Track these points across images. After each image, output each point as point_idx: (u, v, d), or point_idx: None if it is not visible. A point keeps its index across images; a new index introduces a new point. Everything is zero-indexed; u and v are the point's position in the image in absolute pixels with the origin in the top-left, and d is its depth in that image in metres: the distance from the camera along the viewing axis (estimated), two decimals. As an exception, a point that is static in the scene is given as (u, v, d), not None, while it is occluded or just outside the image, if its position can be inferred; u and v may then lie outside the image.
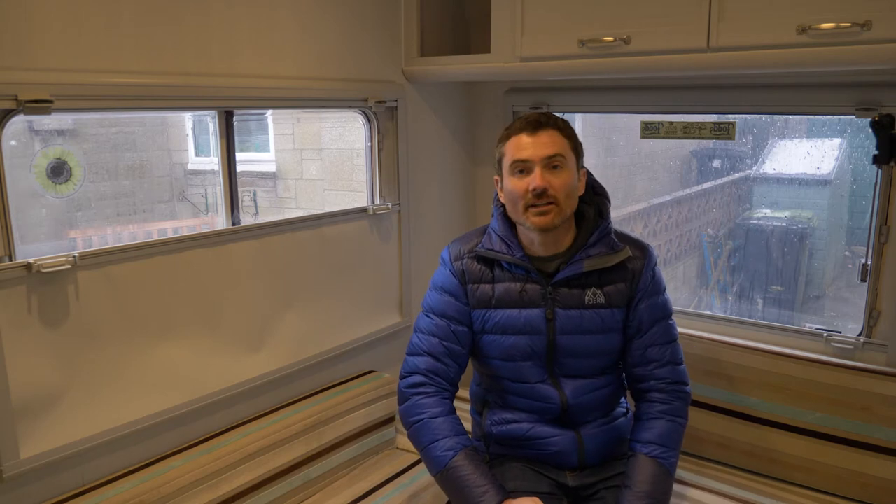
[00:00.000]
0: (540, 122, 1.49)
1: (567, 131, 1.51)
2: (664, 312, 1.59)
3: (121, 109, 1.60)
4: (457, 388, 1.62)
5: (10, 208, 1.32)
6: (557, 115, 1.55)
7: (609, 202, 1.59)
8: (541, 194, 1.45)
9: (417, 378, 1.57)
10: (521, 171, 1.48)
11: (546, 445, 1.61)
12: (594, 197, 1.59)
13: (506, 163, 1.51)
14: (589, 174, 1.61)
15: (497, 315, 1.58)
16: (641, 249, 1.59)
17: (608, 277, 1.54)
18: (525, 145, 1.47)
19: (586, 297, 1.54)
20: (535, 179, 1.45)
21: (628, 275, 1.55)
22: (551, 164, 1.46)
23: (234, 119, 1.72)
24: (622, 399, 1.71)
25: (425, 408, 1.53)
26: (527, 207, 1.47)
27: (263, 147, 5.84)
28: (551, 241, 1.53)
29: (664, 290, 1.61)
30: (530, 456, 1.64)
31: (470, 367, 1.71)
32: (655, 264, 1.60)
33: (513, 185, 1.49)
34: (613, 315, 1.55)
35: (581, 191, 1.54)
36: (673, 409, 1.55)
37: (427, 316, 1.62)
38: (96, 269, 1.44)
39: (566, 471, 1.62)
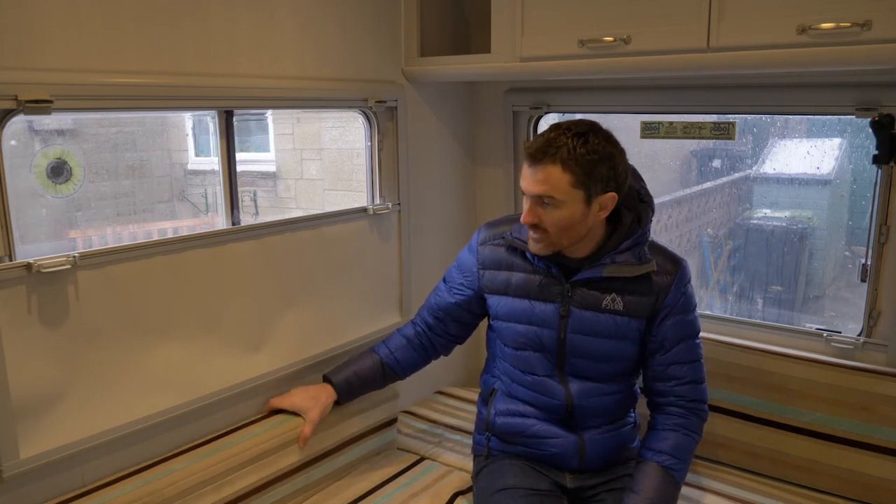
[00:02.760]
0: (541, 153, 1.41)
1: (571, 164, 1.40)
2: (691, 331, 1.57)
3: (121, 109, 1.60)
4: (442, 342, 1.78)
5: (10, 208, 1.31)
6: (568, 135, 1.41)
7: (652, 211, 1.56)
8: (533, 225, 1.47)
9: (415, 317, 1.82)
10: (524, 195, 1.48)
11: (546, 446, 1.61)
12: (638, 203, 1.55)
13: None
14: (640, 180, 1.58)
15: (511, 303, 1.61)
16: (675, 265, 1.55)
17: (631, 287, 1.52)
18: (525, 175, 1.46)
19: (604, 302, 1.53)
20: (524, 214, 1.47)
21: (654, 288, 1.52)
22: (541, 201, 1.44)
23: (234, 119, 1.72)
24: (632, 410, 1.70)
25: (403, 327, 1.83)
26: (530, 227, 1.50)
27: (263, 147, 5.84)
28: (577, 246, 1.53)
29: (694, 308, 1.58)
30: (530, 455, 1.64)
31: (481, 358, 1.83)
32: (688, 282, 1.57)
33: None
34: (630, 324, 1.54)
35: (602, 216, 1.48)
36: (689, 423, 1.55)
37: (443, 282, 1.79)
38: (96, 269, 1.44)
39: (565, 472, 1.62)
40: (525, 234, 1.57)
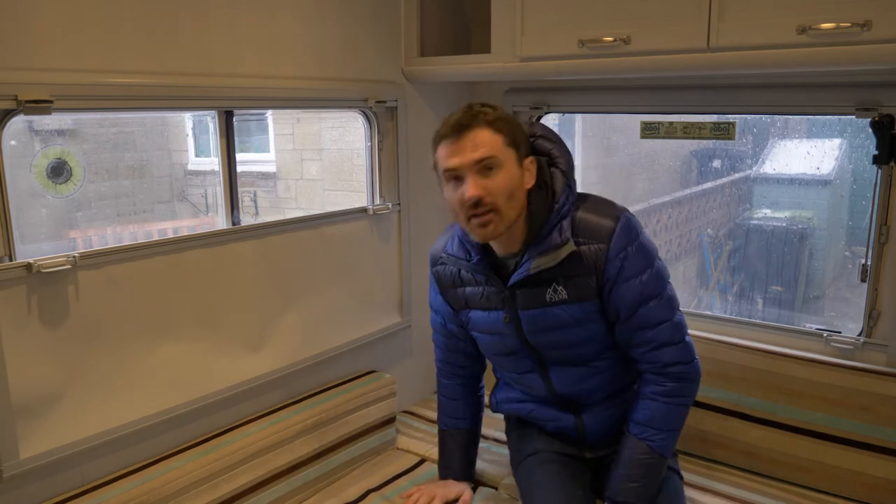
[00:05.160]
0: (463, 123, 1.34)
1: (498, 124, 1.35)
2: (650, 291, 1.41)
3: (121, 109, 1.60)
4: (474, 367, 1.75)
5: (10, 208, 1.32)
6: (491, 107, 1.39)
7: (567, 176, 1.42)
8: (477, 203, 1.34)
9: (437, 363, 1.78)
10: (456, 179, 1.37)
11: (547, 426, 1.66)
12: (556, 175, 1.43)
13: (439, 170, 1.41)
14: (555, 141, 1.47)
15: (472, 315, 1.60)
16: (609, 225, 1.39)
17: (567, 271, 1.41)
18: (452, 152, 1.35)
19: (547, 295, 1.45)
20: (469, 189, 1.33)
21: (589, 263, 1.40)
22: (484, 166, 1.34)
23: (234, 119, 1.72)
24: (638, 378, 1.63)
25: (441, 386, 1.78)
26: (468, 218, 1.37)
27: (263, 147, 5.84)
28: (505, 241, 1.45)
29: (649, 265, 1.42)
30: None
31: None
32: (633, 240, 1.40)
33: (449, 195, 1.40)
34: (582, 308, 1.44)
35: (530, 183, 1.40)
36: (667, 390, 1.46)
37: (432, 311, 1.73)
38: (96, 269, 1.44)
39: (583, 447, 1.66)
40: (457, 249, 1.53)
